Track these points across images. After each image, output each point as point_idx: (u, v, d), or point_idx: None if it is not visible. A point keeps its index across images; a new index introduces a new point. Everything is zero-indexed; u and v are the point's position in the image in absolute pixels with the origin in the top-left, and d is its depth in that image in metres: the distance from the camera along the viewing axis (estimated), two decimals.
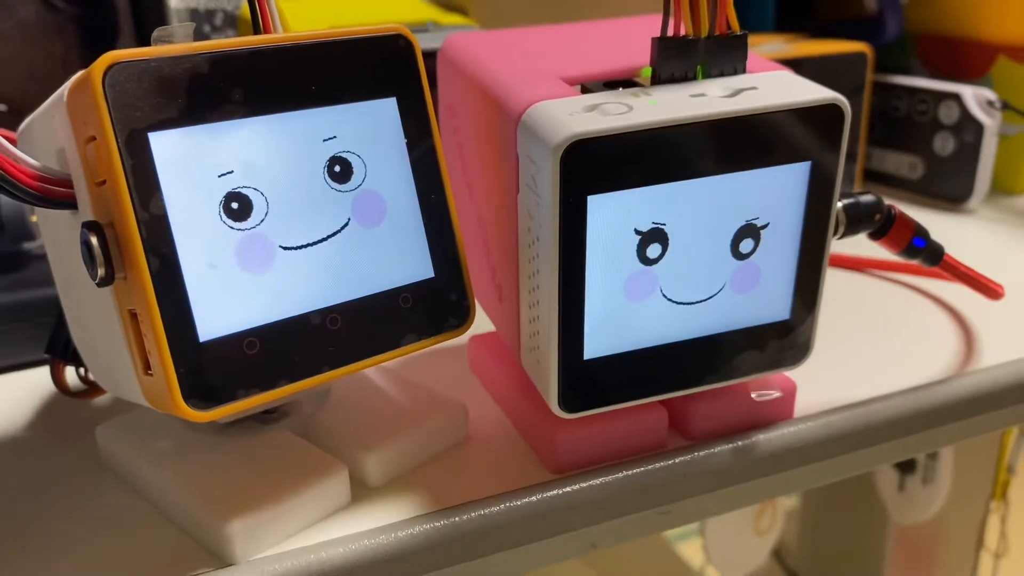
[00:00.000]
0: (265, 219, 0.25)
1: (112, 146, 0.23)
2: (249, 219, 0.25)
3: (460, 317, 0.30)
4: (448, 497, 0.29)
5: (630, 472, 0.30)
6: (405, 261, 0.28)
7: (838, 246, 0.38)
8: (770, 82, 0.28)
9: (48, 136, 0.27)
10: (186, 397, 0.24)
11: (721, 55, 0.28)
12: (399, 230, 0.28)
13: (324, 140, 0.27)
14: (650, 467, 0.30)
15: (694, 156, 0.26)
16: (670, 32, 0.27)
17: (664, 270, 0.28)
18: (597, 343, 0.28)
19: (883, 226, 0.33)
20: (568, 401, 0.28)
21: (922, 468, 0.79)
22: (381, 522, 0.28)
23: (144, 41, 0.56)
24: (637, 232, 0.27)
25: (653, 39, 0.28)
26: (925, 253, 0.34)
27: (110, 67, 0.23)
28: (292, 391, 0.26)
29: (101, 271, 0.24)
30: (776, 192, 0.28)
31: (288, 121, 0.26)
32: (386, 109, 0.28)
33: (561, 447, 0.30)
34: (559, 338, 0.27)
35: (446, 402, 0.32)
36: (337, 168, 0.27)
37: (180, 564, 0.27)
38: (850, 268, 0.46)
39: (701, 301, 0.29)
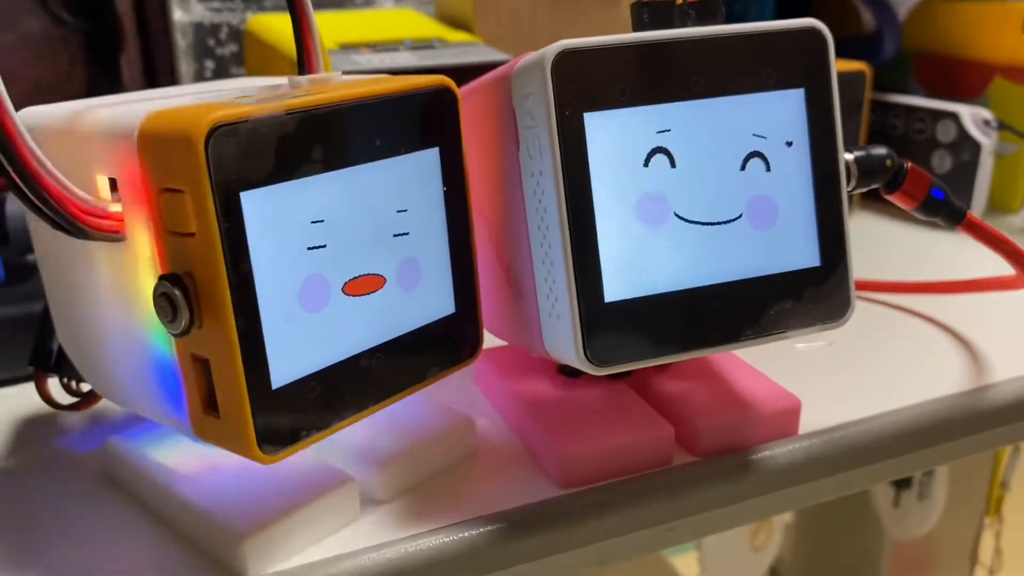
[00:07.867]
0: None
1: (210, 209, 0.23)
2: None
3: (472, 347, 0.31)
4: (456, 512, 0.29)
5: (638, 488, 0.30)
6: (434, 299, 0.30)
7: None
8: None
9: (77, 157, 0.26)
10: (259, 443, 0.25)
11: (698, 20, 0.29)
12: (432, 280, 0.29)
13: (397, 212, 0.28)
14: (657, 483, 0.30)
15: (687, 75, 0.27)
16: None
17: (674, 189, 0.28)
18: (618, 283, 0.27)
19: (896, 177, 0.33)
20: (596, 352, 0.27)
21: (917, 484, 0.79)
22: (390, 537, 0.28)
23: (149, 55, 0.56)
24: (641, 152, 0.27)
25: (631, 4, 0.29)
26: (946, 209, 0.33)
27: (213, 129, 0.23)
28: (341, 428, 0.27)
29: (185, 323, 0.24)
30: (776, 120, 0.28)
31: (356, 175, 0.26)
32: (429, 159, 0.29)
33: (568, 462, 0.30)
34: (575, 277, 0.27)
35: (454, 416, 0.32)
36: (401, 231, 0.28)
37: None
38: None
39: (718, 223, 0.28)
